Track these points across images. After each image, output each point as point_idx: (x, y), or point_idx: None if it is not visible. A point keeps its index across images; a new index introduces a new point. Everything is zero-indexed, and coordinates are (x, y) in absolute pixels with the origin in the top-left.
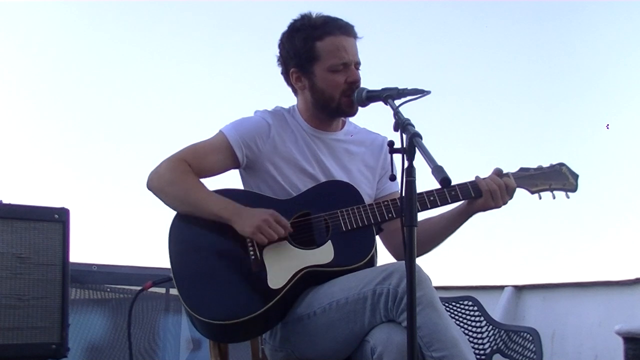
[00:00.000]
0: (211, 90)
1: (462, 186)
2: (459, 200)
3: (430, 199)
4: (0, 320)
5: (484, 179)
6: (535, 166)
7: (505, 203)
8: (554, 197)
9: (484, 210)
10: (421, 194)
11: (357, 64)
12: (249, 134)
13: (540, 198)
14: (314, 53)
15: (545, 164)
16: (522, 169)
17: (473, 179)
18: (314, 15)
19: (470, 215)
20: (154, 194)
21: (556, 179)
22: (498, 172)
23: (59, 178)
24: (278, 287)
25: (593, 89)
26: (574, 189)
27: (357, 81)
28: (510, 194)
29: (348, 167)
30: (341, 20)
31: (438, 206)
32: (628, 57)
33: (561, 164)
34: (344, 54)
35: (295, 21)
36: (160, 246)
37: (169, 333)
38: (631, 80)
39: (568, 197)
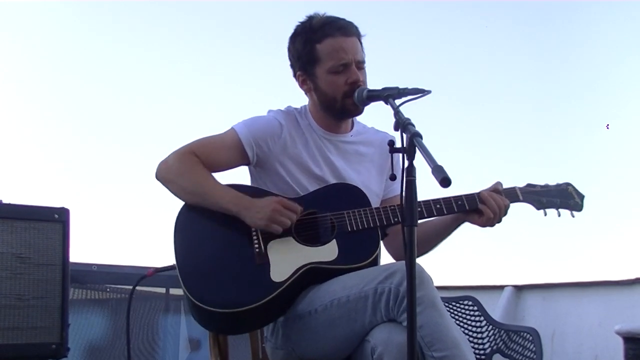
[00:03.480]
0: (213, 91)
1: (470, 197)
2: (464, 210)
3: (437, 207)
4: (0, 320)
5: (489, 194)
6: (542, 183)
7: (500, 222)
8: (559, 215)
9: (481, 226)
10: (428, 201)
11: (360, 63)
12: (261, 133)
13: (545, 215)
14: (314, 56)
15: (552, 183)
16: (529, 185)
17: (475, 185)
18: (316, 18)
19: (462, 223)
20: (163, 184)
21: (562, 197)
22: (498, 189)
23: (59, 178)
24: (281, 280)
25: (593, 89)
26: (579, 208)
27: (357, 81)
28: (506, 212)
29: (358, 169)
30: (341, 20)
31: (444, 214)
32: (628, 57)
33: (567, 184)
34: (342, 55)
35: (298, 25)
36: (160, 246)
37: (168, 333)
38: (631, 80)
39: (573, 216)
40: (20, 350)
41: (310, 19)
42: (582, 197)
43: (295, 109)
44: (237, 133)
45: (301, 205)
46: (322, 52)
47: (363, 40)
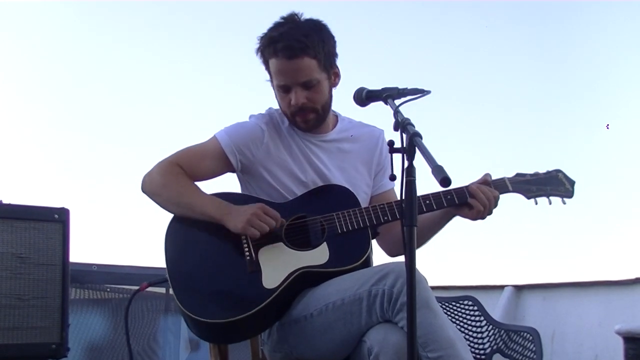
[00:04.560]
0: (211, 91)
1: (459, 191)
2: (454, 204)
3: (427, 203)
4: (0, 320)
5: (477, 187)
6: (531, 172)
7: (491, 214)
8: (550, 203)
9: (472, 219)
10: (417, 197)
11: (307, 83)
12: (242, 140)
13: (536, 203)
14: (268, 69)
15: (542, 170)
16: (518, 174)
17: (468, 182)
18: (270, 32)
19: (453, 217)
20: (149, 197)
21: (552, 184)
22: (487, 180)
23: (59, 178)
24: (273, 287)
25: (593, 89)
26: (570, 194)
27: (296, 105)
28: (496, 204)
29: (343, 166)
30: (286, 38)
31: (434, 210)
32: (628, 57)
33: (558, 171)
34: (281, 77)
35: (261, 34)
36: (160, 246)
37: (169, 333)
38: (631, 80)
39: (564, 202)
40: (20, 350)
41: (269, 30)
42: (572, 183)
43: (276, 110)
44: (219, 141)
45: (291, 210)
46: (271, 69)
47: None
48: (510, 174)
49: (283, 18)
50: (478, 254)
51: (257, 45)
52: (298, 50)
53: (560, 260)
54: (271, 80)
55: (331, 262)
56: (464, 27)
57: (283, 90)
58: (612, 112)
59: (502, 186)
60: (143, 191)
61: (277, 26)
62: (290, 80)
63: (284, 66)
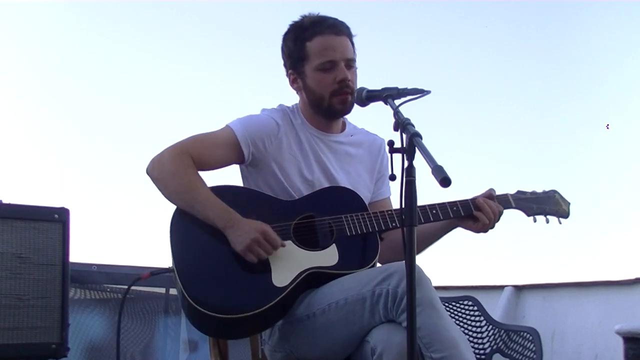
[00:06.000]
0: (212, 91)
1: (464, 203)
2: (459, 216)
3: (433, 212)
4: (0, 320)
5: (484, 200)
6: (530, 190)
7: (493, 228)
8: (547, 222)
9: (475, 231)
10: (424, 206)
11: (349, 61)
12: (257, 132)
13: (535, 221)
14: (304, 53)
15: (539, 190)
16: (519, 192)
17: (475, 185)
18: (307, 17)
19: (454, 228)
20: (153, 181)
21: (550, 204)
22: (492, 195)
23: (59, 178)
24: (283, 285)
25: (593, 89)
26: (566, 215)
27: (345, 79)
28: (499, 219)
29: (347, 169)
30: (331, 19)
31: (440, 220)
32: (628, 57)
33: (554, 191)
34: (330, 52)
35: (291, 24)
36: (160, 246)
37: (168, 334)
38: (631, 80)
39: (560, 222)
40: (20, 350)
41: (302, 18)
42: (568, 204)
43: (288, 107)
44: (234, 131)
45: (298, 209)
46: (311, 50)
47: (355, 40)
48: (511, 190)
49: (292, 22)
50: (478, 254)
51: (292, 32)
52: (345, 29)
53: (560, 260)
54: (301, 69)
55: (341, 264)
56: (464, 27)
57: (326, 66)
58: (612, 112)
59: (505, 202)
60: (148, 173)
61: (305, 16)
62: (339, 55)
63: (333, 42)
